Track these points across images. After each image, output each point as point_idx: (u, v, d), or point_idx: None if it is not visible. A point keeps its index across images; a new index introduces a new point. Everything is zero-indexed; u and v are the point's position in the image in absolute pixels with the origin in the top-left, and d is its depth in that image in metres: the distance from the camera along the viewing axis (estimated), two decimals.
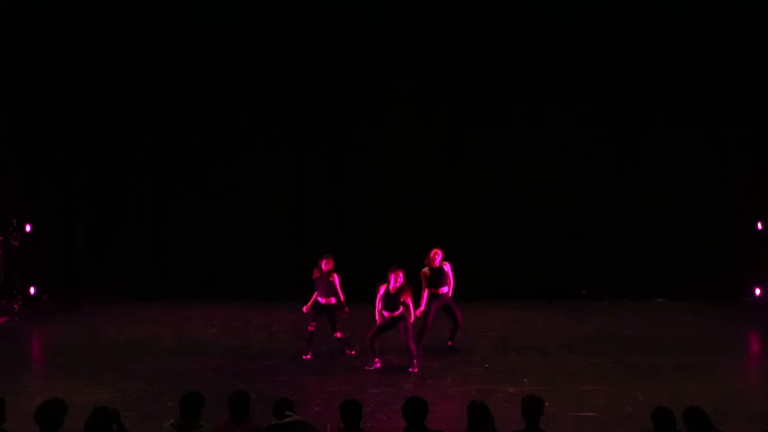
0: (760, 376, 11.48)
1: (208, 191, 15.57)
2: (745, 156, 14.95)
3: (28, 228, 15.04)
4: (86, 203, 15.63)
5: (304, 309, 11.51)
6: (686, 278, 14.87)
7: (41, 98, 15.11)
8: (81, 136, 15.38)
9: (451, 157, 15.38)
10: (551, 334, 12.87)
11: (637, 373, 10.83)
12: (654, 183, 15.10)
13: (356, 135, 15.42)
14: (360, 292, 11.60)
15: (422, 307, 11.37)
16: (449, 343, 11.95)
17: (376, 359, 11.08)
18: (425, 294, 11.39)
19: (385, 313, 10.83)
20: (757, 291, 14.97)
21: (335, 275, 11.37)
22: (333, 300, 11.41)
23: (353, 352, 11.67)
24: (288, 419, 6.65)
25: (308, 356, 11.54)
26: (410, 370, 10.91)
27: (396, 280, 10.64)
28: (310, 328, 11.47)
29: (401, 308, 10.78)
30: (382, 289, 10.77)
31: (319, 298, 11.43)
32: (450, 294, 11.62)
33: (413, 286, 11.02)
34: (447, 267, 11.52)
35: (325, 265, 11.33)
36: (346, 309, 11.47)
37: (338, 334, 11.61)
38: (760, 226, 14.91)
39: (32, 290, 15.30)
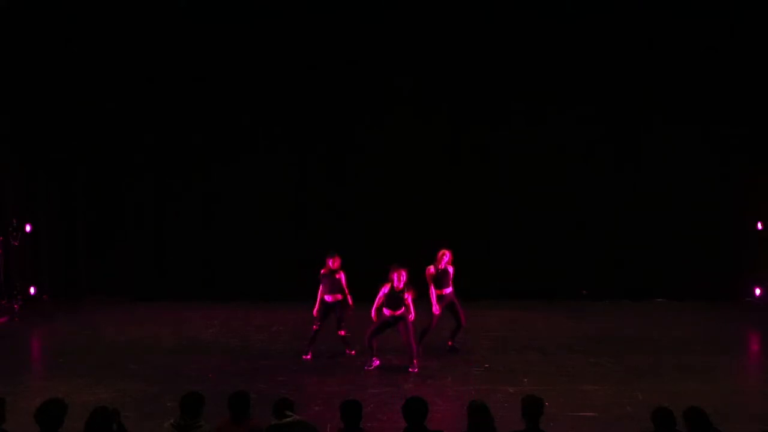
0: (760, 376, 11.47)
1: (208, 191, 15.58)
2: (745, 156, 14.95)
3: (28, 228, 15.05)
4: (86, 203, 15.63)
5: (315, 312, 11.51)
6: (686, 278, 14.88)
7: (41, 98, 15.12)
8: (81, 136, 15.38)
9: (451, 157, 15.38)
10: (551, 334, 12.87)
11: (637, 373, 10.82)
12: (654, 183, 15.11)
13: (356, 135, 15.43)
14: (360, 292, 11.60)
15: (435, 307, 11.39)
16: (449, 343, 11.95)
17: (375, 358, 11.09)
18: (434, 294, 11.41)
19: (387, 312, 10.83)
20: (757, 291, 14.98)
21: (342, 272, 11.43)
22: (339, 296, 11.44)
23: (353, 352, 11.68)
24: (288, 419, 6.65)
25: (308, 356, 11.54)
26: (410, 370, 10.91)
27: (399, 278, 10.67)
28: (315, 327, 11.49)
29: (404, 307, 10.79)
30: (385, 288, 10.75)
31: (326, 296, 11.45)
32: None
33: (415, 285, 11.02)
34: (450, 269, 11.55)
35: (332, 263, 11.38)
36: (351, 305, 11.50)
37: (342, 332, 11.63)
38: (760, 226, 14.91)
39: (32, 290, 15.31)
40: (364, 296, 11.32)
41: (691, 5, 14.64)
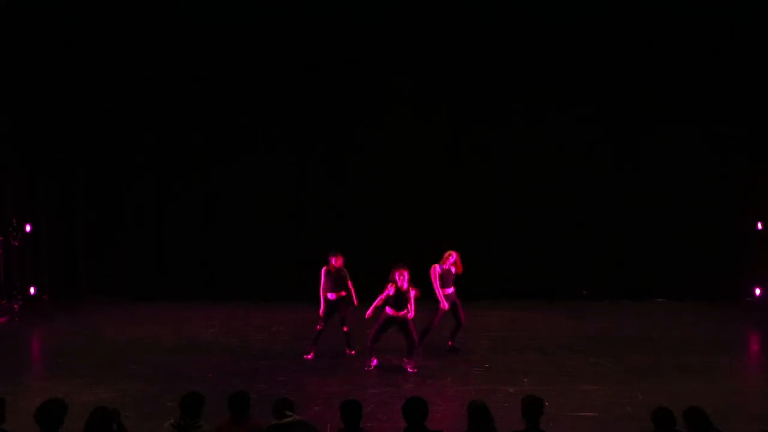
0: (760, 376, 11.48)
1: (208, 191, 15.58)
2: (745, 156, 14.96)
3: (28, 228, 15.05)
4: (86, 203, 15.63)
5: (321, 312, 11.51)
6: (686, 278, 14.89)
7: (41, 98, 15.12)
8: (81, 136, 15.38)
9: (451, 157, 15.38)
10: (551, 334, 12.88)
11: (637, 373, 10.83)
12: (654, 183, 15.11)
13: (356, 135, 15.43)
14: (360, 291, 11.61)
15: (443, 303, 11.42)
16: (449, 343, 11.96)
17: (374, 358, 11.08)
18: (440, 291, 11.44)
19: (391, 312, 10.79)
20: (757, 291, 14.99)
21: (345, 270, 11.49)
22: (343, 293, 11.47)
23: (353, 352, 11.69)
24: (288, 419, 6.64)
25: (310, 356, 11.55)
26: (410, 370, 10.90)
27: (402, 278, 10.67)
28: (318, 327, 11.50)
29: (408, 307, 10.80)
30: (390, 290, 10.72)
31: (329, 295, 11.45)
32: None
33: (416, 284, 11.03)
34: (453, 269, 11.58)
35: (335, 261, 11.40)
36: (356, 303, 11.54)
37: (346, 328, 11.65)
38: (760, 226, 14.92)
39: (32, 290, 15.31)
40: (364, 296, 11.33)
41: (691, 5, 14.64)
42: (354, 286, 11.56)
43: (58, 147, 15.36)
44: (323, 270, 11.48)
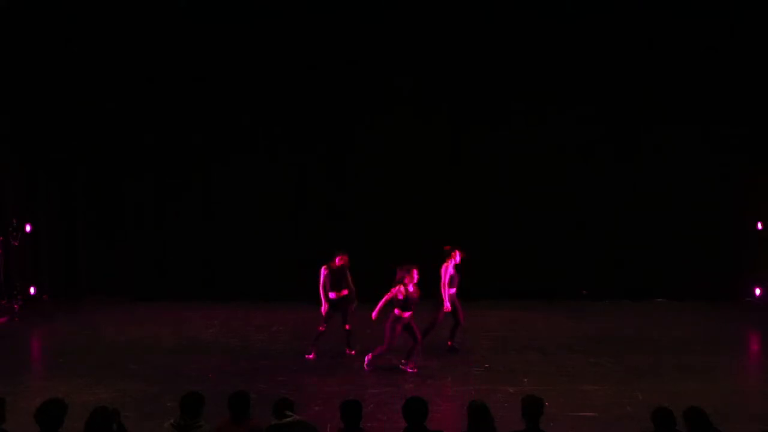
0: (760, 376, 11.48)
1: (208, 191, 15.58)
2: (745, 156, 14.96)
3: (28, 228, 15.05)
4: (86, 203, 15.64)
5: (323, 311, 11.49)
6: (686, 278, 14.89)
7: (41, 98, 15.12)
8: (81, 136, 15.39)
9: (451, 157, 15.39)
10: (551, 334, 12.88)
11: (637, 373, 10.83)
12: (654, 183, 15.11)
13: (356, 135, 15.43)
14: (360, 291, 11.61)
15: (447, 305, 11.46)
16: (449, 343, 11.96)
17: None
18: (446, 292, 11.47)
19: (398, 311, 10.77)
20: (757, 291, 14.99)
21: (347, 269, 11.50)
22: (345, 292, 11.46)
23: (353, 352, 11.68)
24: (288, 419, 6.64)
25: (311, 356, 11.54)
26: (409, 370, 10.89)
27: (412, 279, 10.67)
28: (321, 328, 11.49)
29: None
30: (401, 291, 10.66)
31: (330, 294, 11.44)
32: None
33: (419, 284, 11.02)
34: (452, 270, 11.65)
35: (339, 260, 11.41)
36: (356, 302, 11.56)
37: (348, 326, 11.66)
38: (760, 226, 14.92)
39: (32, 290, 15.31)
40: (365, 296, 11.34)
41: (691, 5, 14.64)
42: (354, 285, 11.56)
43: (58, 147, 15.37)
44: (324, 269, 11.46)
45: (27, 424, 6.37)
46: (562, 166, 15.16)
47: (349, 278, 11.53)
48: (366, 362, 10.97)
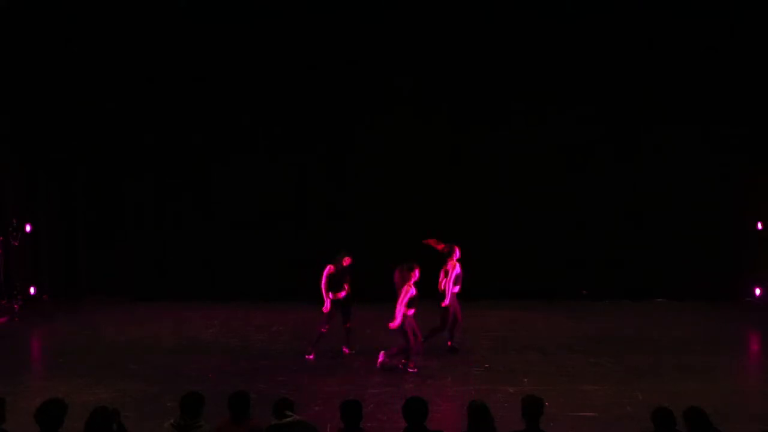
0: (760, 376, 11.47)
1: (208, 191, 15.58)
2: (745, 156, 14.95)
3: (28, 228, 15.05)
4: (86, 203, 15.64)
5: (325, 310, 11.47)
6: (686, 278, 14.88)
7: (41, 98, 15.12)
8: (81, 136, 15.39)
9: (451, 157, 15.38)
10: (551, 334, 12.88)
11: (637, 373, 10.82)
12: (654, 183, 15.11)
13: (356, 135, 15.43)
14: (360, 291, 11.60)
15: (447, 299, 11.51)
16: (449, 343, 11.96)
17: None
18: (450, 289, 11.53)
19: (410, 312, 10.78)
20: (757, 291, 14.98)
21: (348, 270, 11.55)
22: (342, 294, 11.47)
23: (350, 352, 11.69)
24: (288, 419, 6.64)
25: (311, 356, 11.54)
26: (410, 370, 10.89)
27: (415, 278, 10.71)
28: (324, 330, 11.49)
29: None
30: (413, 291, 10.69)
31: (331, 294, 11.44)
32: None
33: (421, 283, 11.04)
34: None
35: (345, 261, 11.44)
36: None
37: (348, 324, 11.68)
38: (760, 226, 14.91)
39: (32, 290, 15.31)
40: (365, 295, 11.34)
41: (691, 5, 14.64)
42: (355, 286, 11.57)
43: (58, 147, 15.37)
44: (328, 270, 11.43)
45: (27, 424, 6.37)
46: (562, 166, 15.15)
47: (348, 279, 11.54)
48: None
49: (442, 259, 11.72)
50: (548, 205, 15.11)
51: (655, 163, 15.14)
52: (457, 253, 11.62)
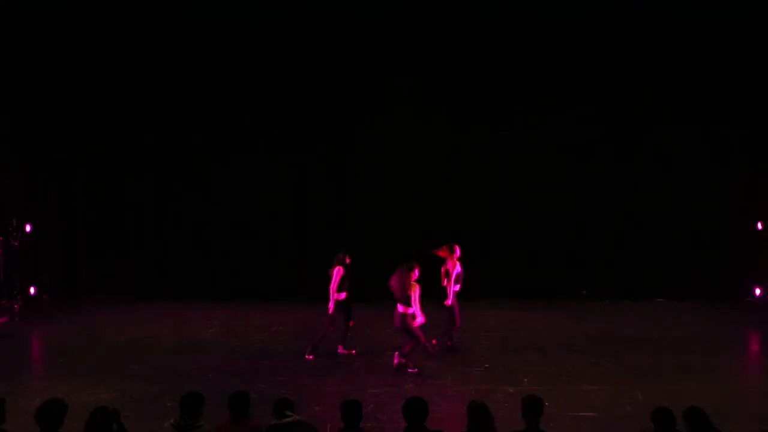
0: (760, 376, 11.47)
1: (208, 191, 15.58)
2: (745, 156, 14.98)
3: (28, 228, 15.06)
4: (86, 203, 15.64)
5: (330, 310, 11.46)
6: (686, 278, 14.89)
7: (41, 98, 15.12)
8: (81, 136, 15.39)
9: (451, 157, 15.38)
10: (551, 334, 12.88)
11: (637, 373, 10.82)
12: (654, 183, 15.12)
13: (356, 135, 15.43)
14: (360, 292, 11.60)
15: (449, 300, 11.52)
16: (449, 343, 11.96)
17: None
18: (451, 288, 11.56)
19: (411, 310, 10.78)
20: (757, 291, 14.99)
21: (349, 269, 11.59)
22: (344, 294, 11.47)
23: (353, 352, 11.69)
24: (288, 419, 6.64)
25: (311, 356, 11.54)
26: (410, 370, 10.89)
27: (416, 276, 10.73)
28: (329, 330, 11.49)
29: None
30: (418, 289, 10.73)
31: (342, 294, 11.45)
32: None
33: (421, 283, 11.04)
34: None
35: (348, 260, 11.48)
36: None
37: (352, 323, 11.68)
38: (760, 226, 14.92)
39: (32, 290, 15.31)
40: (365, 295, 11.34)
41: (691, 5, 14.65)
42: (355, 286, 11.57)
43: (58, 147, 15.37)
44: (341, 270, 11.42)
45: (27, 424, 6.37)
46: (562, 166, 15.16)
47: (348, 279, 11.57)
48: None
49: (442, 259, 11.72)
50: (548, 205, 15.12)
51: (655, 163, 15.15)
52: (458, 251, 11.64)
